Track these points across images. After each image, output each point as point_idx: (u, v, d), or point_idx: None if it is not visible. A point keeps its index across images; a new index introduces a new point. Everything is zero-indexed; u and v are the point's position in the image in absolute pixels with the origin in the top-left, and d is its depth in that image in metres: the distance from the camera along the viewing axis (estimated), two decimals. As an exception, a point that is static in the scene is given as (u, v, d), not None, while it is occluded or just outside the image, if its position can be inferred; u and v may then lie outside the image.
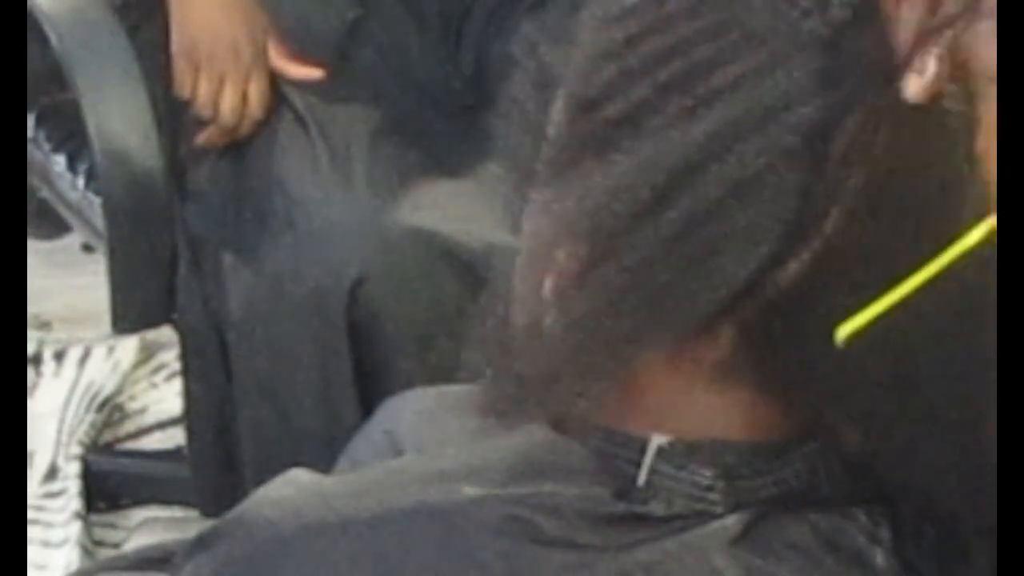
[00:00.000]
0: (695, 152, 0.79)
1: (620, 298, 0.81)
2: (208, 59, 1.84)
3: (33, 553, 2.12)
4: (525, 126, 0.88)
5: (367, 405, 1.75)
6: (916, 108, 0.78)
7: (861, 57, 0.78)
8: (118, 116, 1.86)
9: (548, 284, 0.84)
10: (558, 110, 0.86)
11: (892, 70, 0.78)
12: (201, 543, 0.91)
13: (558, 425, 0.89)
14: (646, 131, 0.80)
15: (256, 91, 1.85)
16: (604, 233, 0.81)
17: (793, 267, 0.79)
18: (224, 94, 1.83)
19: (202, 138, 1.86)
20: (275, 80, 1.88)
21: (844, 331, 0.78)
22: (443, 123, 1.93)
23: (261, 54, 1.86)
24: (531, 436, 0.88)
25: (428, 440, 1.16)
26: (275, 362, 1.82)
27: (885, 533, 0.83)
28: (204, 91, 1.84)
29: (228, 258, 1.83)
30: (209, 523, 0.94)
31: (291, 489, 0.92)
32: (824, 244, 0.78)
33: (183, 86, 1.84)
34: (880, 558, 0.83)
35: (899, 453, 0.82)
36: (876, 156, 0.78)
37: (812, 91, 0.78)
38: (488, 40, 1.95)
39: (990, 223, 0.76)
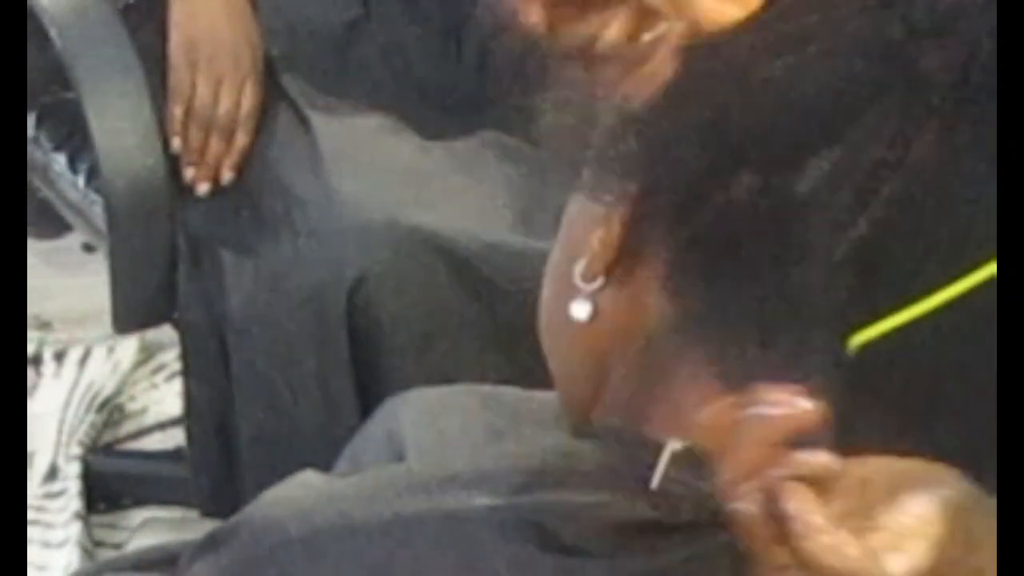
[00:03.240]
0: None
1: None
2: (207, 60, 1.84)
3: (33, 554, 2.12)
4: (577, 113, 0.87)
5: (366, 405, 1.75)
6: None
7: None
8: (119, 115, 1.85)
9: (578, 269, 0.85)
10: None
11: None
12: (209, 542, 0.90)
13: (572, 429, 0.89)
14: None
15: (250, 98, 1.85)
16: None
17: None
18: (221, 96, 1.84)
19: (200, 177, 1.86)
20: (275, 78, 1.88)
21: (857, 340, 0.77)
22: (444, 123, 1.92)
23: (258, 63, 1.87)
24: (543, 441, 0.88)
25: (429, 442, 1.15)
26: (274, 362, 1.82)
27: None
28: (201, 91, 1.84)
29: (228, 257, 1.83)
30: (209, 523, 0.93)
31: (301, 491, 0.91)
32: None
33: (180, 85, 1.84)
34: None
35: None
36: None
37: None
38: (490, 39, 1.95)
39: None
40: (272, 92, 1.88)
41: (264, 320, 1.81)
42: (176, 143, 1.85)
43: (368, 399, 1.75)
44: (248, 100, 1.85)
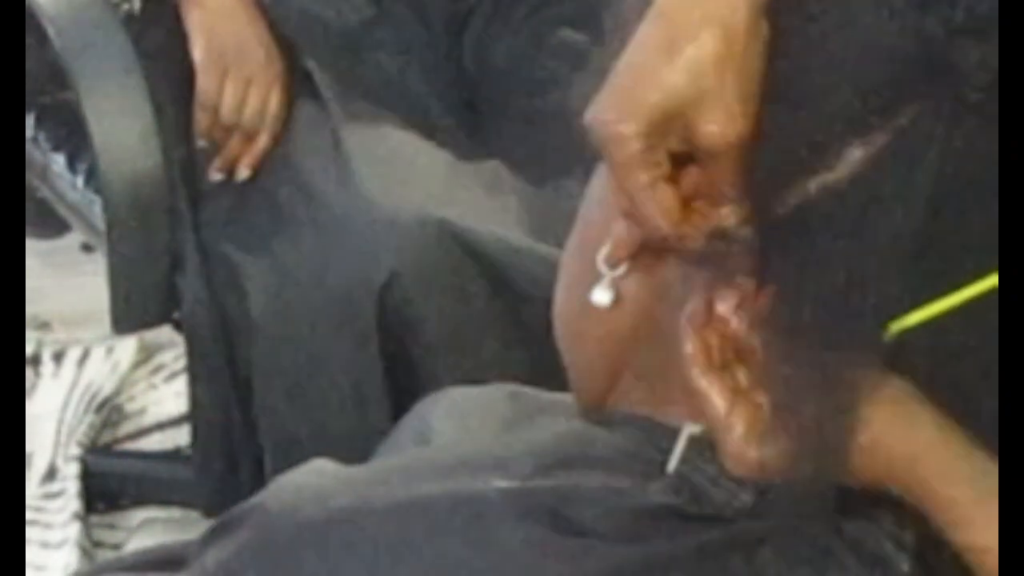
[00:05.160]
0: None
1: None
2: (238, 65, 1.84)
3: (32, 554, 2.12)
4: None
5: (398, 407, 1.73)
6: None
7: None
8: (118, 115, 1.85)
9: (601, 255, 0.85)
10: None
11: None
12: (221, 529, 0.90)
13: (586, 415, 0.89)
14: None
15: (276, 101, 1.85)
16: None
17: None
18: (248, 98, 1.84)
19: (214, 170, 1.86)
20: (300, 76, 1.88)
21: (896, 326, 0.78)
22: (447, 123, 1.92)
23: (286, 69, 1.87)
24: (556, 427, 0.88)
25: (452, 438, 1.15)
26: (303, 364, 1.80)
27: (910, 538, 0.82)
28: (229, 96, 1.84)
29: (247, 259, 1.82)
30: (209, 523, 0.93)
31: (315, 477, 0.91)
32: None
33: (209, 91, 1.84)
34: (905, 563, 0.82)
35: None
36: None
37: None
38: (490, 40, 1.94)
39: None
40: (295, 89, 1.88)
41: (291, 322, 1.80)
42: (202, 143, 1.86)
43: (401, 401, 1.73)
44: (274, 102, 1.86)
